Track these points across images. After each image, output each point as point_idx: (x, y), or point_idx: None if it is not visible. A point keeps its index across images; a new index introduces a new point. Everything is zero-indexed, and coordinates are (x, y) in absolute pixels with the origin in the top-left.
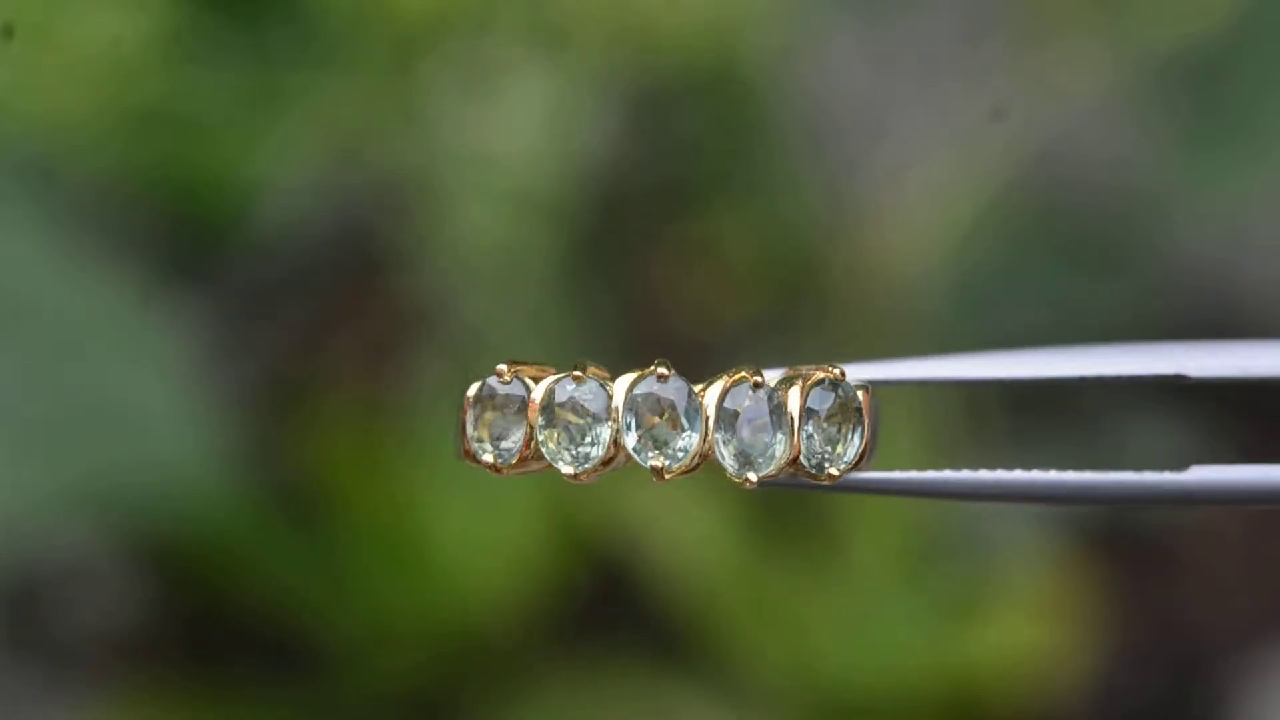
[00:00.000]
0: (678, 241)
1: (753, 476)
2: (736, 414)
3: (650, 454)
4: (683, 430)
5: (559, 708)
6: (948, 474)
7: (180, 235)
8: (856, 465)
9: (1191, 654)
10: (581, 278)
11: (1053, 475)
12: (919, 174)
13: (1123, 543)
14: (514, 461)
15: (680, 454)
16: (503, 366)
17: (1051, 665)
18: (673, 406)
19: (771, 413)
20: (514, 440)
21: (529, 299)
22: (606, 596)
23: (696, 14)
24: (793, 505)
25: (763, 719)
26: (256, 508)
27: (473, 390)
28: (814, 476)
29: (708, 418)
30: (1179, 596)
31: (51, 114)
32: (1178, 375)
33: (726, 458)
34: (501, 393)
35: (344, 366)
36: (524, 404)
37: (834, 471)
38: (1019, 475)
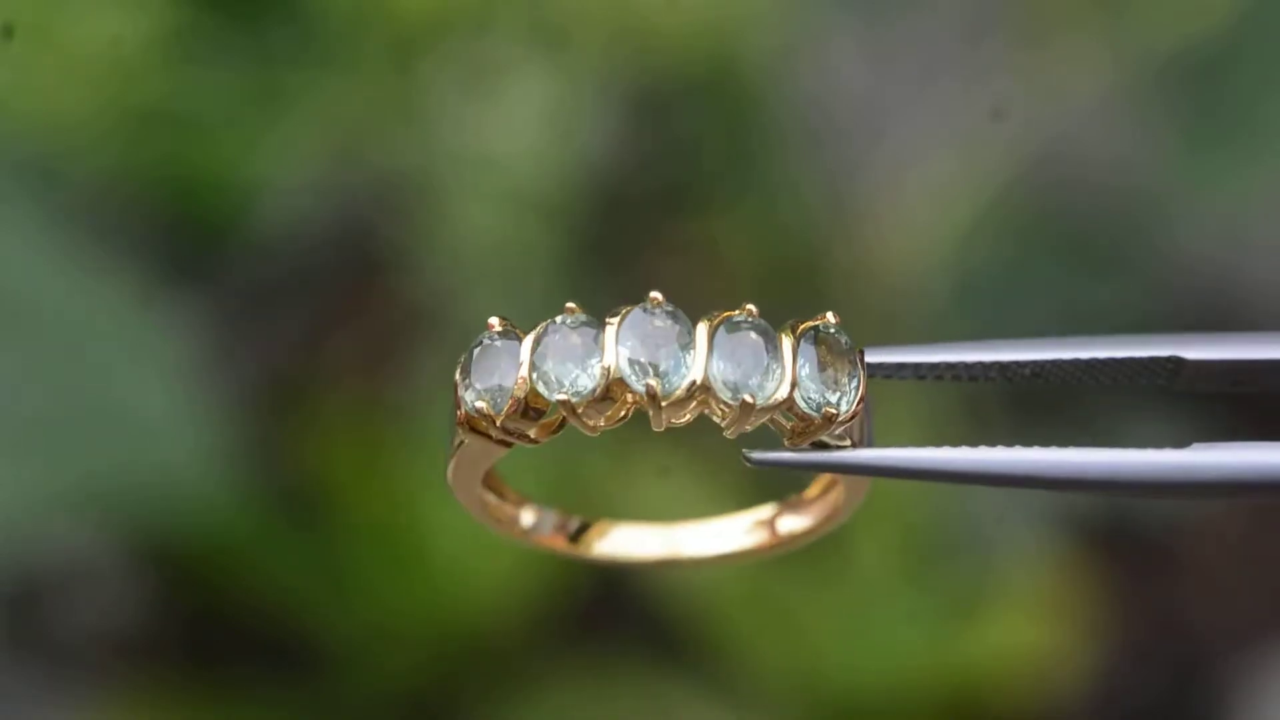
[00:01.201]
0: (678, 241)
1: (752, 455)
2: (730, 340)
3: (646, 380)
4: (681, 351)
5: (559, 708)
6: (954, 452)
7: (180, 235)
8: (853, 417)
9: (1191, 654)
10: (581, 278)
11: (1059, 452)
12: (919, 174)
13: (1123, 543)
14: (508, 409)
15: (675, 381)
16: (493, 320)
17: (1051, 665)
18: (666, 333)
19: (765, 340)
20: (507, 379)
21: (529, 299)
22: (606, 596)
23: (696, 14)
24: None
25: (762, 719)
26: (256, 508)
27: (464, 357)
28: (815, 433)
29: (702, 344)
30: (1179, 596)
31: (51, 114)
32: (1172, 358)
33: (719, 384)
34: (492, 345)
35: (344, 366)
36: (517, 348)
37: (832, 411)
38: (1028, 453)
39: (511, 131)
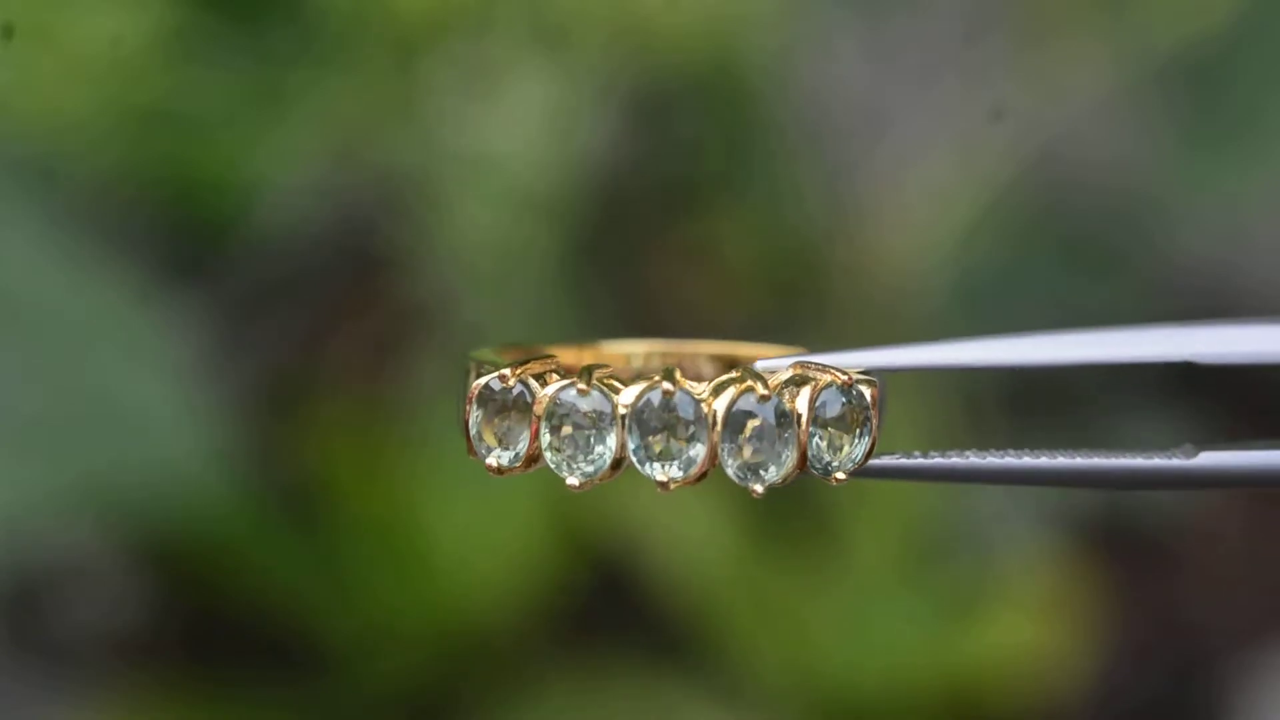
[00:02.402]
0: (678, 241)
1: (758, 488)
2: (743, 426)
3: (655, 465)
4: (688, 443)
5: (559, 707)
6: (953, 459)
7: (180, 235)
8: (858, 468)
9: (1191, 654)
10: (581, 278)
11: (1058, 460)
12: (919, 174)
13: (1123, 543)
14: (519, 465)
15: (686, 466)
16: (506, 372)
17: (1051, 665)
18: (678, 420)
19: (779, 423)
20: (519, 448)
21: (529, 299)
22: (606, 596)
23: (696, 14)
24: (793, 505)
25: (762, 719)
26: (256, 508)
27: (475, 388)
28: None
29: (714, 428)
30: (1179, 596)
31: (51, 114)
32: (1186, 363)
33: (731, 468)
34: (504, 395)
35: (344, 366)
36: (528, 407)
37: (840, 476)
38: (1024, 460)
39: (511, 131)
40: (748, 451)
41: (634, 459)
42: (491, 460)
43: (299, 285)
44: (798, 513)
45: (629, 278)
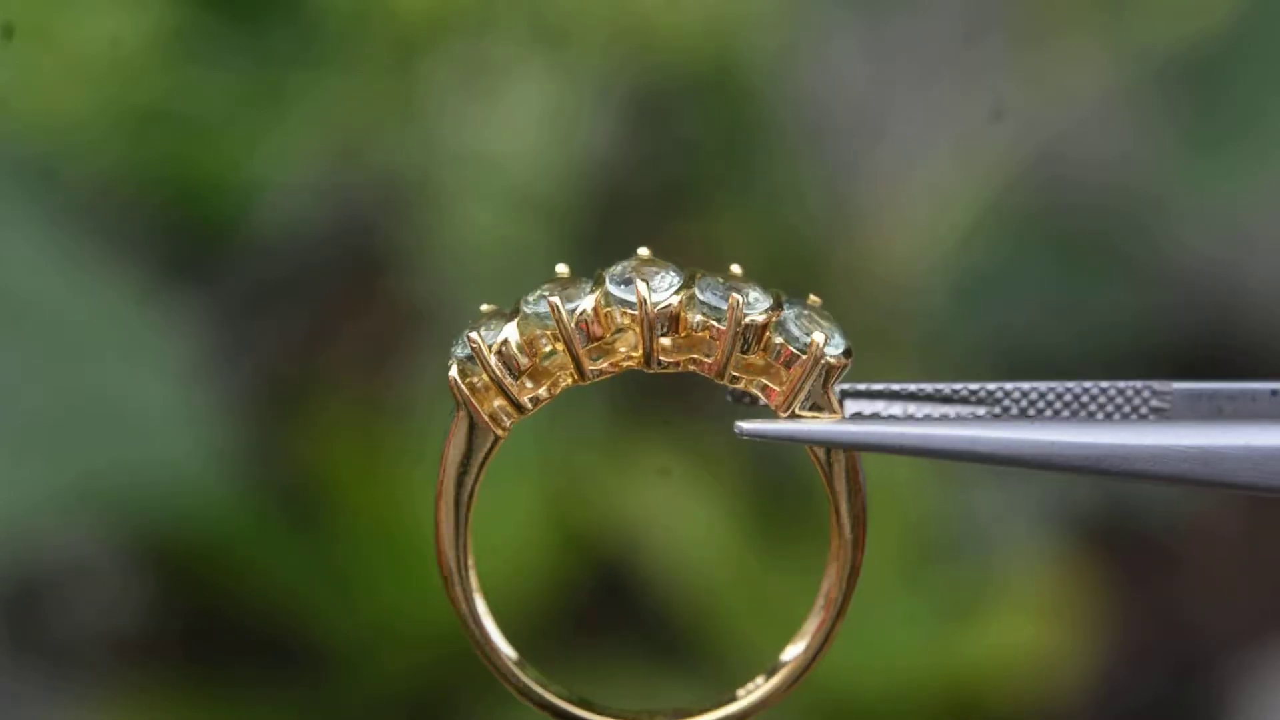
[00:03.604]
0: (678, 241)
1: (742, 425)
2: (714, 283)
3: (634, 284)
4: (661, 272)
5: None
6: (943, 427)
7: (180, 235)
8: (844, 368)
9: (1191, 654)
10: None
11: (1054, 430)
12: (919, 174)
13: (1123, 543)
14: (497, 345)
15: (663, 287)
16: (484, 307)
17: (1051, 665)
18: (652, 264)
19: (746, 284)
20: (505, 333)
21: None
22: (606, 596)
23: (696, 14)
24: (792, 505)
25: (762, 719)
26: (256, 508)
27: (455, 361)
28: (806, 382)
29: (687, 275)
30: (1179, 596)
31: (51, 114)
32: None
33: (707, 297)
34: (487, 322)
35: (344, 366)
36: (512, 313)
37: (819, 347)
38: (1021, 431)
39: (511, 131)
40: (723, 292)
41: (610, 288)
42: (470, 346)
43: (299, 285)
44: (797, 513)
45: None
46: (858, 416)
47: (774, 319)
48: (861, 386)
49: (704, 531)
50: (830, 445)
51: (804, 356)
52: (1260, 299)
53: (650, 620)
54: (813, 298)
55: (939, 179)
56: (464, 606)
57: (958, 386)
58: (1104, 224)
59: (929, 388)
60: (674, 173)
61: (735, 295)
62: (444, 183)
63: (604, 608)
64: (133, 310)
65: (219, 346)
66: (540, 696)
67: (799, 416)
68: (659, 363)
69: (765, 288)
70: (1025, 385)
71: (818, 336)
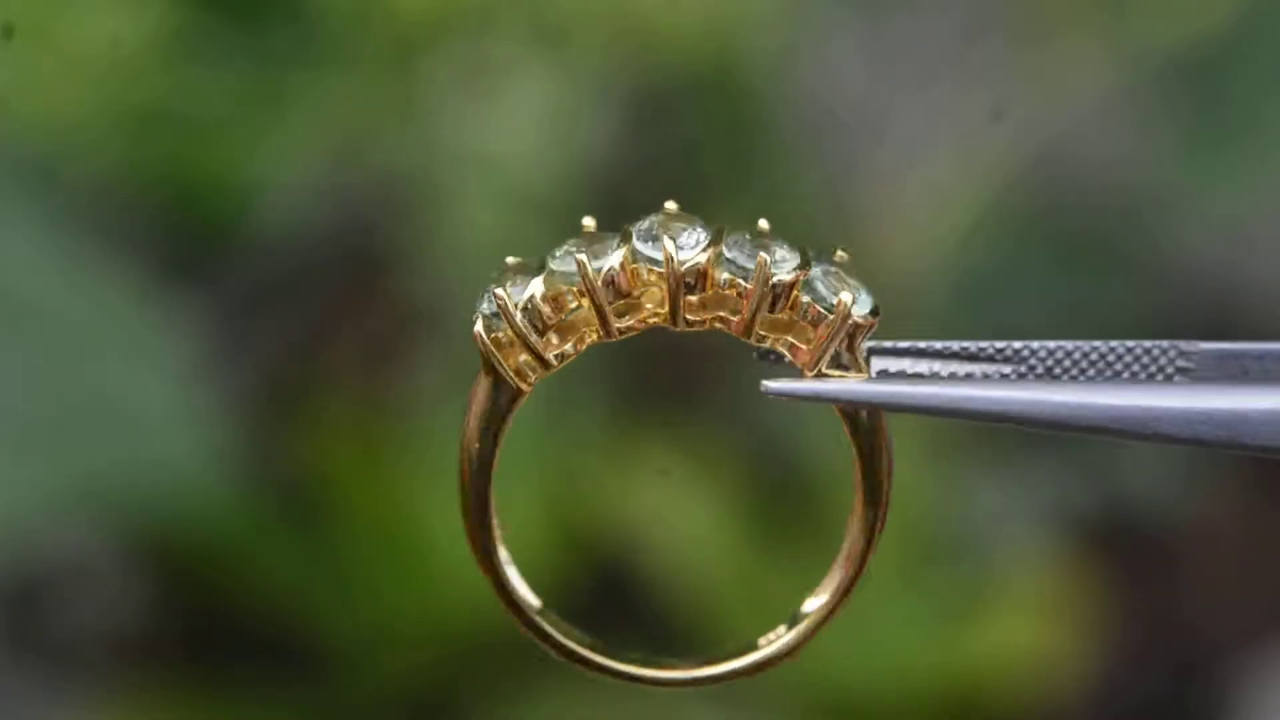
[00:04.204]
0: None
1: (769, 384)
2: (741, 240)
3: (661, 241)
4: (689, 229)
5: (559, 708)
6: (973, 388)
7: (180, 235)
8: (872, 326)
9: (1191, 654)
10: None
11: (1087, 392)
12: (919, 174)
13: (1123, 543)
14: (524, 302)
15: (690, 244)
16: (509, 260)
17: (1051, 665)
18: (680, 220)
19: (771, 234)
20: (531, 288)
21: None
22: (606, 596)
23: (696, 14)
24: (792, 505)
25: (762, 719)
26: (256, 508)
27: (481, 315)
28: (834, 341)
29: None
30: (1179, 596)
31: (51, 114)
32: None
33: (734, 252)
34: (513, 278)
35: (344, 366)
36: (539, 267)
37: (847, 305)
38: (1053, 393)
39: (511, 131)
40: (751, 250)
41: (637, 244)
42: (497, 302)
43: (299, 285)
44: (798, 512)
45: None
46: (884, 375)
47: (801, 278)
48: (888, 344)
49: (704, 531)
50: (857, 405)
51: (831, 316)
52: (1260, 299)
53: (650, 620)
54: (840, 253)
55: (939, 179)
56: (486, 557)
57: (984, 345)
58: (1104, 224)
59: (955, 345)
60: (674, 173)
61: (763, 255)
62: (444, 183)
63: (604, 608)
64: (133, 310)
65: (219, 346)
66: (561, 644)
67: (825, 375)
68: (685, 320)
69: (792, 244)
70: (1051, 344)
71: (845, 296)
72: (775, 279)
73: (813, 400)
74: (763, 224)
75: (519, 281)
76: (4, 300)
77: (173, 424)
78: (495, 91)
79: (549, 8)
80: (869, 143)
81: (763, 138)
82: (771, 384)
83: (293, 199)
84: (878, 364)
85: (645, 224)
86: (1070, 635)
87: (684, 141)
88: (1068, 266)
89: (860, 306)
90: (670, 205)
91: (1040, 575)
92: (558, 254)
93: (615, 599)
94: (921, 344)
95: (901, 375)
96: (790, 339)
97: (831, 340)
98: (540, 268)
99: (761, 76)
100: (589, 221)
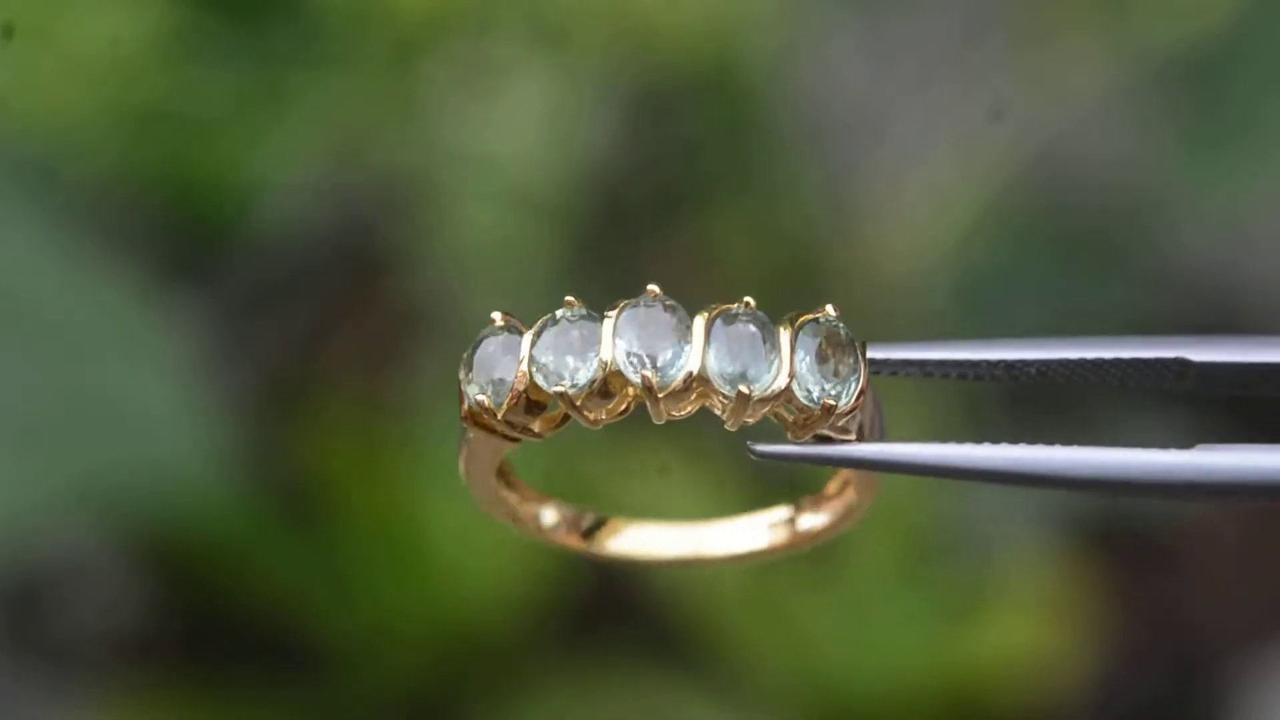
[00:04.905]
0: (678, 241)
1: (756, 447)
2: (727, 331)
3: (642, 372)
4: (675, 345)
5: (559, 708)
6: (960, 449)
7: (180, 235)
8: (853, 410)
9: (1191, 654)
10: (581, 278)
11: (1065, 451)
12: (919, 174)
13: (1123, 543)
14: (508, 403)
15: (672, 373)
16: (496, 314)
17: (1051, 665)
18: (663, 325)
19: (763, 331)
20: (507, 373)
21: (529, 299)
22: (606, 596)
23: (696, 14)
24: (792, 504)
25: (762, 719)
26: (256, 508)
27: (467, 352)
28: (815, 425)
29: (699, 336)
30: (1179, 596)
31: (51, 114)
32: (1179, 360)
33: (716, 376)
34: (494, 339)
35: (344, 367)
36: (518, 343)
37: (831, 403)
38: (1035, 451)
39: (511, 131)
40: (735, 346)
41: (623, 364)
42: (482, 397)
43: (299, 285)
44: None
45: (629, 278)
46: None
47: (789, 385)
48: (882, 357)
49: None
50: (846, 466)
51: (817, 410)
52: (1260, 299)
53: (650, 620)
54: (829, 310)
55: (939, 179)
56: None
57: (979, 359)
58: (1104, 224)
59: (950, 357)
60: (674, 173)
61: (742, 389)
62: (444, 183)
63: (604, 608)
64: (133, 310)
65: (219, 346)
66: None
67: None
68: (669, 416)
69: (774, 322)
70: (1048, 356)
71: (831, 391)
72: (757, 398)
73: (800, 463)
74: (749, 302)
75: (505, 365)
76: (4, 300)
77: (173, 424)
78: (495, 91)
79: (549, 8)
80: (869, 143)
81: (763, 138)
82: (759, 446)
83: (293, 199)
84: (877, 362)
85: (625, 339)
86: (1070, 635)
87: (684, 141)
88: (1068, 267)
89: (847, 397)
90: (652, 288)
91: (1040, 575)
92: (544, 335)
93: (615, 599)
94: (916, 356)
95: (888, 441)
96: (779, 411)
97: (818, 426)
98: (530, 335)
99: (761, 77)
100: (570, 300)
